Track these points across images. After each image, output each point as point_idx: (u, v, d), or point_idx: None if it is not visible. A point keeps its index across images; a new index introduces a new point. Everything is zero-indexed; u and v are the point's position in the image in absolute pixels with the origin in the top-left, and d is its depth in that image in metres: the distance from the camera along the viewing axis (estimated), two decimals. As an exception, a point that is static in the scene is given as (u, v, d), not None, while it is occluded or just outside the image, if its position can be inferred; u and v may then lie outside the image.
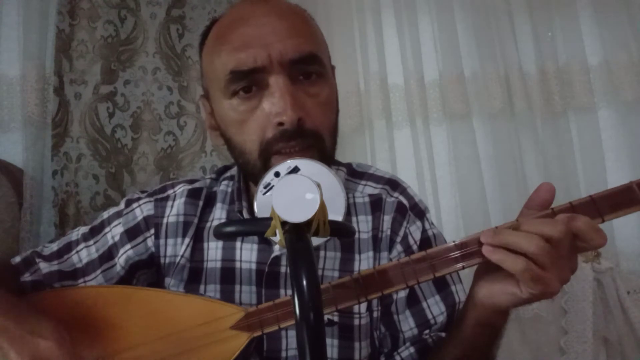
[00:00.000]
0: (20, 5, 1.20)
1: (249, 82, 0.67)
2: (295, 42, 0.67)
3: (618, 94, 1.37)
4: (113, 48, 1.37)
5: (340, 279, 0.61)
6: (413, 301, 0.74)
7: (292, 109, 0.65)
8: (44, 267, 0.76)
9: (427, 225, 0.78)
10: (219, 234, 0.52)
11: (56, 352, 0.58)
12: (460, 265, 0.57)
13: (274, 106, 0.66)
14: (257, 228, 0.50)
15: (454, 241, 0.58)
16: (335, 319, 0.72)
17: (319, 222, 0.47)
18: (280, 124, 0.66)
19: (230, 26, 0.70)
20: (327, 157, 0.70)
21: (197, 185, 0.82)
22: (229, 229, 0.53)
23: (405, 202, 0.78)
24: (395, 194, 0.79)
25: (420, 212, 0.79)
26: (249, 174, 0.74)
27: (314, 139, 0.67)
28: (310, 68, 0.69)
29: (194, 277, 0.76)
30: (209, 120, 0.77)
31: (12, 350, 0.57)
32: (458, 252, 0.58)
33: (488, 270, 0.58)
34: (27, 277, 0.75)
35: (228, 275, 0.75)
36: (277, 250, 0.74)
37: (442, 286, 0.74)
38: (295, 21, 0.70)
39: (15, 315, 0.60)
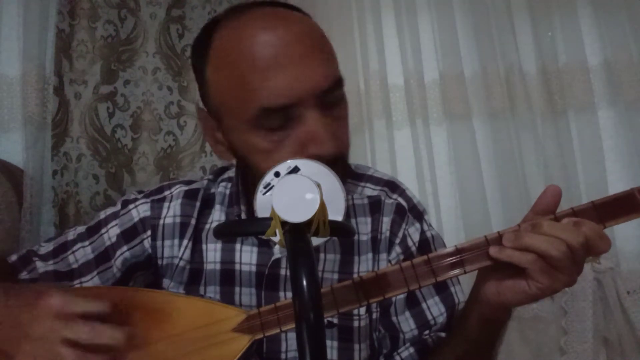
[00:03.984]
0: (20, 5, 1.20)
1: (282, 117, 0.62)
2: (325, 69, 0.63)
3: (618, 94, 1.37)
4: (113, 48, 1.37)
5: (342, 283, 0.61)
6: (412, 302, 0.74)
7: (331, 142, 0.62)
8: (40, 266, 0.76)
9: (425, 227, 0.78)
10: (218, 234, 0.52)
11: None
12: (462, 270, 0.57)
13: (311, 138, 0.62)
14: (257, 228, 0.50)
15: (455, 245, 0.58)
16: (335, 320, 0.72)
17: (319, 222, 0.46)
18: (316, 154, 0.62)
19: (248, 50, 0.62)
20: (347, 171, 0.69)
21: (194, 186, 0.81)
22: (229, 228, 0.53)
23: (404, 203, 0.78)
24: (394, 196, 0.79)
25: (418, 214, 0.79)
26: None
27: (342, 161, 0.65)
28: (337, 93, 0.66)
29: (194, 279, 0.76)
30: (213, 135, 0.72)
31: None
32: (459, 256, 0.58)
33: (494, 268, 0.58)
34: (24, 275, 0.75)
35: (228, 277, 0.75)
36: (277, 252, 0.73)
37: (441, 287, 0.75)
38: (318, 42, 0.65)
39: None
